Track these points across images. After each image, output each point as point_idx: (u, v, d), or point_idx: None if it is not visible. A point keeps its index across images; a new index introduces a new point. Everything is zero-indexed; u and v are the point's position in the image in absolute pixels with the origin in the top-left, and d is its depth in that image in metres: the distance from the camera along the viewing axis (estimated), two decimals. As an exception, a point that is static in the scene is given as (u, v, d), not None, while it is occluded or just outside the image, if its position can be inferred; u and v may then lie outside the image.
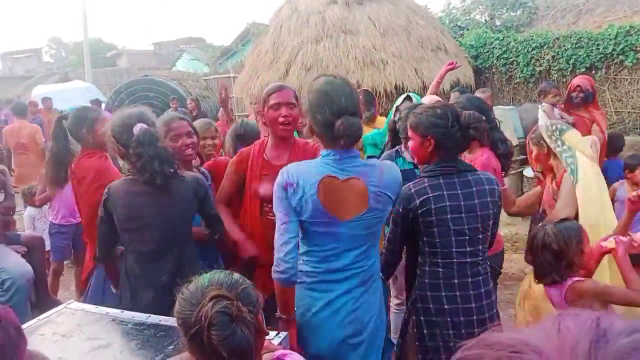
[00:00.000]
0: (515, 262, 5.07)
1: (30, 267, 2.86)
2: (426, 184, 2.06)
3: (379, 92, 8.74)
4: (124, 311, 2.08)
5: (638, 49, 8.38)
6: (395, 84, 8.61)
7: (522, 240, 5.33)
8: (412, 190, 2.06)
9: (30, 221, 4.44)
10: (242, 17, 67.04)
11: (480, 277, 2.14)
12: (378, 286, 2.05)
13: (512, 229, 5.93)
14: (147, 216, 2.19)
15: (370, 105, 4.39)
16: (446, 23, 12.72)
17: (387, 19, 9.39)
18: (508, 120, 6.86)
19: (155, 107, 12.24)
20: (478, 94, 5.79)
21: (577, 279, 2.06)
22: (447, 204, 2.05)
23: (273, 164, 2.36)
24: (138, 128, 2.13)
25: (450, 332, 2.09)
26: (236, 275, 1.29)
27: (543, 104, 4.89)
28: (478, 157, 2.74)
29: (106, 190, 2.23)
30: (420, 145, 2.11)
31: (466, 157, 2.72)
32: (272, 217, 2.01)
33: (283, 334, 1.82)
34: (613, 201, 4.33)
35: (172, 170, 2.16)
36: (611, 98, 8.85)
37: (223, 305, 1.16)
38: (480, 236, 2.13)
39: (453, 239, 2.07)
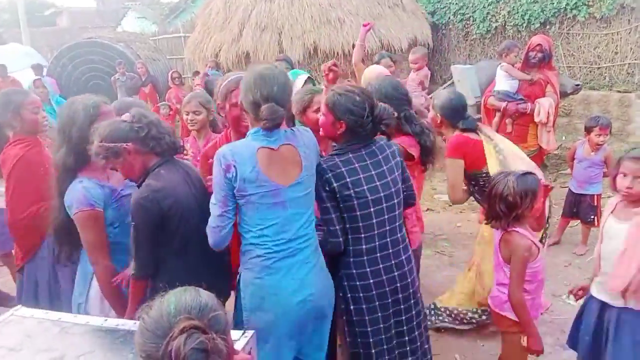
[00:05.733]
0: (472, 221, 5.19)
1: None
2: (337, 160, 2.13)
3: (337, 53, 8.51)
4: (77, 315, 1.96)
5: (590, 3, 8.43)
6: (353, 44, 8.39)
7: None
8: (324, 165, 2.11)
9: None
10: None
11: (400, 246, 2.24)
12: (322, 258, 2.13)
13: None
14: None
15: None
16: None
17: (342, -25, 9.05)
18: (465, 79, 6.81)
19: (102, 71, 11.65)
20: (411, 55, 5.64)
21: (517, 229, 2.25)
22: (361, 175, 2.12)
23: None
24: (127, 116, 2.06)
25: (377, 303, 2.19)
26: (204, 296, 1.14)
27: (503, 63, 4.81)
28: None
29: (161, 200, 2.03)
30: (331, 124, 2.16)
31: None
32: None
33: (249, 333, 1.76)
34: (572, 159, 4.43)
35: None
36: (564, 53, 8.96)
37: (198, 341, 1.02)
38: (396, 201, 2.21)
39: (372, 209, 2.13)
